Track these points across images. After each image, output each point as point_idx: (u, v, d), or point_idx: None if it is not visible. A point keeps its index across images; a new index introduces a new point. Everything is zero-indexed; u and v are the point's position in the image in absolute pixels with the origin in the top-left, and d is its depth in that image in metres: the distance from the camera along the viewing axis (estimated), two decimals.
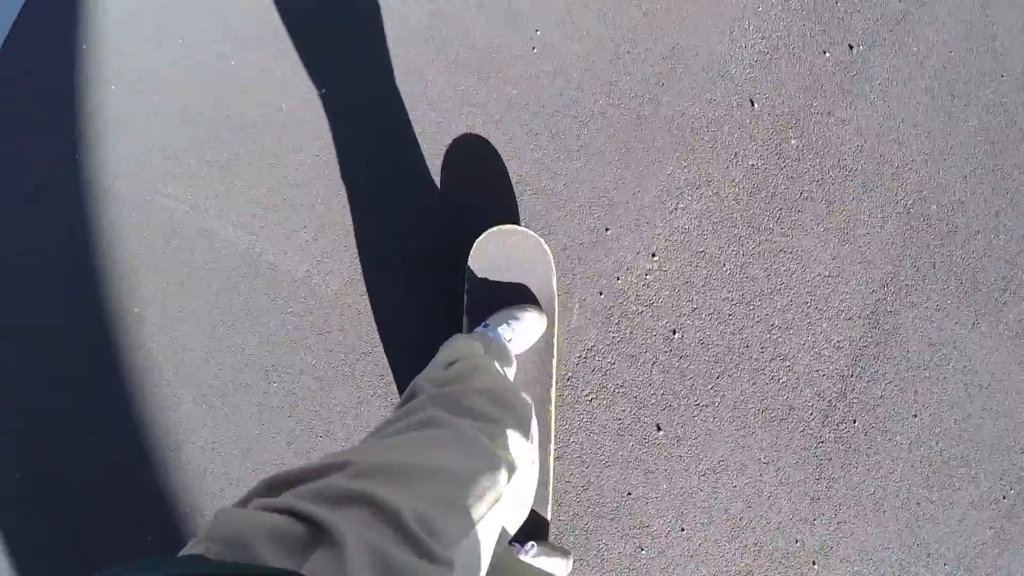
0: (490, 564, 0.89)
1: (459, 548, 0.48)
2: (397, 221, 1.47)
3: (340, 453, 0.53)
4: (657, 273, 1.35)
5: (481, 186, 1.46)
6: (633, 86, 1.44)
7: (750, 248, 1.37)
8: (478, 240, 1.33)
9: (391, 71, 1.53)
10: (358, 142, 1.50)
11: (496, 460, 0.61)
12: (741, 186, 1.39)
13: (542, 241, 1.31)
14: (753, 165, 1.41)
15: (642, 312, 1.34)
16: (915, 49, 1.52)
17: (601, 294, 1.34)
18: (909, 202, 1.48)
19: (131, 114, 1.56)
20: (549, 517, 1.27)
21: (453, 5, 1.52)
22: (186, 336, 1.47)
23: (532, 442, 0.75)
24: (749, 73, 1.48)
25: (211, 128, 1.54)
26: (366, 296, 1.42)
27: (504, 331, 1.20)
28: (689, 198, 1.38)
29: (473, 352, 0.98)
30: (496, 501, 0.56)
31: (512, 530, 0.76)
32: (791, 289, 1.37)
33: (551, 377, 1.29)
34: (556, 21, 1.49)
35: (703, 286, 1.35)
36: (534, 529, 1.27)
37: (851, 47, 1.56)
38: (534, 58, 1.47)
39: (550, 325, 1.30)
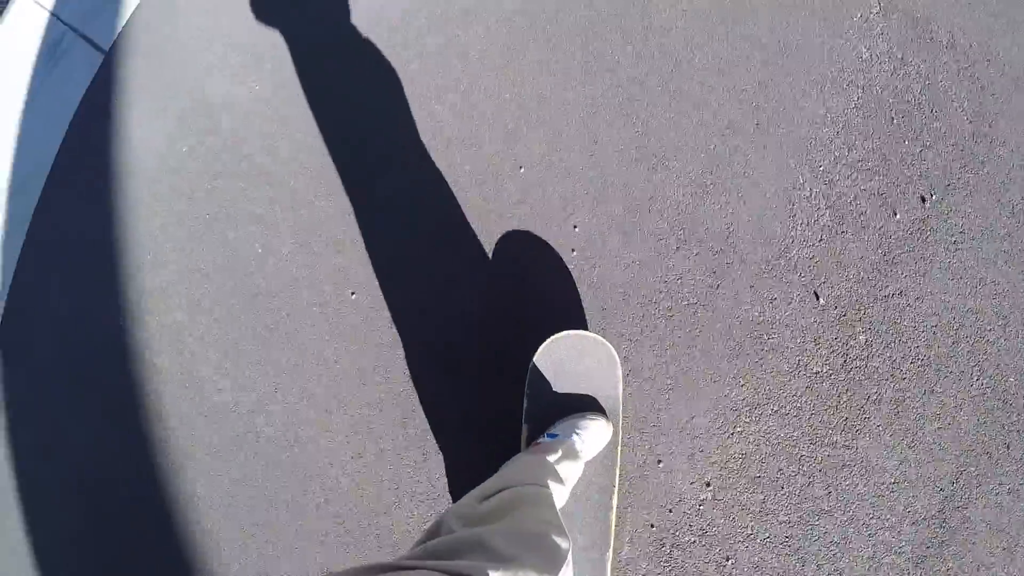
0: None
1: None
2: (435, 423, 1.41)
3: None
4: (711, 502, 1.28)
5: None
6: (685, 291, 1.31)
7: (810, 467, 1.29)
8: (543, 345, 1.28)
9: (399, 276, 1.42)
10: (376, 345, 1.42)
11: None
12: (803, 399, 1.29)
13: (610, 347, 1.26)
14: (817, 372, 1.30)
15: (695, 541, 1.29)
16: (991, 181, 1.35)
17: (653, 526, 1.28)
18: (985, 382, 1.36)
19: (164, 292, 1.51)
20: None
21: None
22: (245, 524, 1.47)
23: None
24: (813, 258, 1.33)
25: (242, 324, 1.47)
26: (412, 509, 1.40)
27: (576, 442, 1.15)
28: (747, 420, 1.28)
29: (531, 478, 0.92)
30: None
31: None
32: (853, 503, 1.30)
33: (614, 485, 1.26)
34: (598, 224, 1.34)
35: (759, 511, 1.28)
36: None
37: (923, 199, 1.39)
38: (572, 265, 1.34)
39: (615, 432, 1.26)
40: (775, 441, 1.27)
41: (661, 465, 1.27)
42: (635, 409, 1.30)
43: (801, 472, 1.28)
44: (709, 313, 1.28)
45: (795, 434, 1.27)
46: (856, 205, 1.36)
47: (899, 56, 1.52)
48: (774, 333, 1.29)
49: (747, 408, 1.27)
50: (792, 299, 1.29)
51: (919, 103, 1.43)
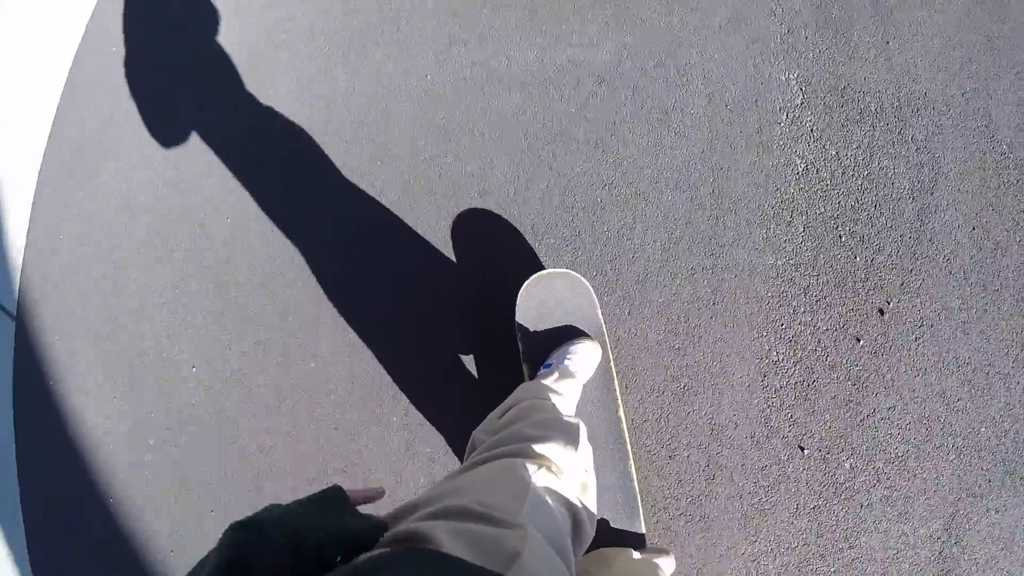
0: (600, 556, 1.23)
1: (524, 513, 0.60)
2: None
3: (409, 502, 0.63)
4: None
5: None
6: (682, 492, 1.51)
7: (824, 574, 1.58)
8: (521, 291, 1.47)
9: None
10: None
11: (522, 464, 0.73)
12: (807, 531, 1.54)
13: (580, 276, 1.46)
14: (815, 507, 1.53)
15: None
16: (940, 255, 1.46)
17: None
18: (959, 443, 1.58)
19: None
20: (643, 530, 1.41)
21: None
22: None
23: (579, 449, 0.87)
24: (792, 417, 1.50)
25: None
26: None
27: (569, 365, 1.36)
28: (765, 562, 1.55)
29: (534, 393, 1.14)
30: (531, 482, 0.68)
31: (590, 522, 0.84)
32: None
33: (617, 399, 1.41)
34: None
35: None
36: (631, 542, 1.41)
37: (882, 311, 1.51)
38: None
39: (604, 352, 1.41)
40: (792, 570, 1.55)
41: None
42: None
43: None
44: (712, 500, 1.50)
45: (807, 557, 1.54)
46: (821, 350, 1.48)
47: (833, 152, 1.52)
48: (771, 494, 1.50)
49: (763, 555, 1.53)
50: (780, 459, 1.48)
51: (861, 201, 1.47)
